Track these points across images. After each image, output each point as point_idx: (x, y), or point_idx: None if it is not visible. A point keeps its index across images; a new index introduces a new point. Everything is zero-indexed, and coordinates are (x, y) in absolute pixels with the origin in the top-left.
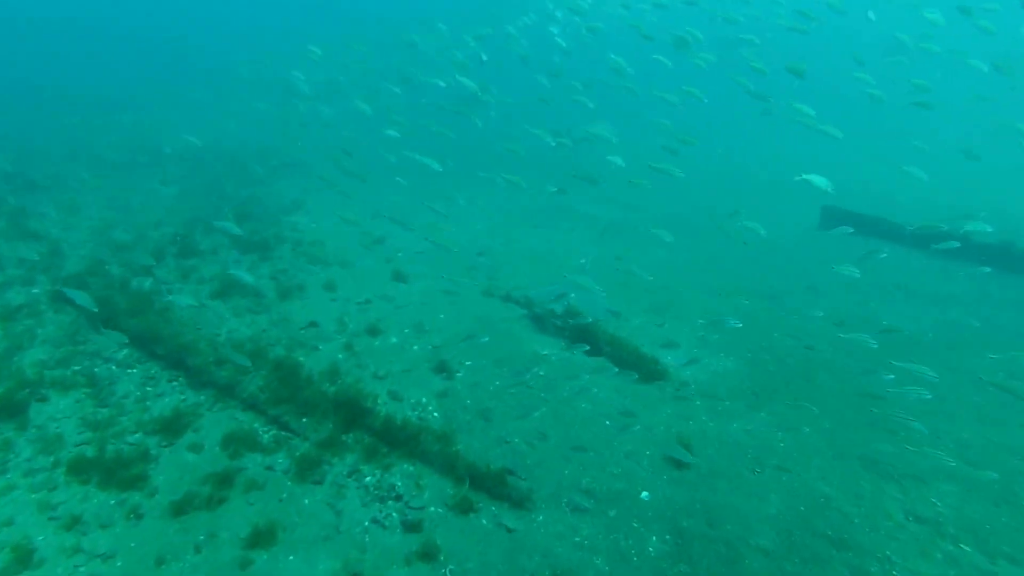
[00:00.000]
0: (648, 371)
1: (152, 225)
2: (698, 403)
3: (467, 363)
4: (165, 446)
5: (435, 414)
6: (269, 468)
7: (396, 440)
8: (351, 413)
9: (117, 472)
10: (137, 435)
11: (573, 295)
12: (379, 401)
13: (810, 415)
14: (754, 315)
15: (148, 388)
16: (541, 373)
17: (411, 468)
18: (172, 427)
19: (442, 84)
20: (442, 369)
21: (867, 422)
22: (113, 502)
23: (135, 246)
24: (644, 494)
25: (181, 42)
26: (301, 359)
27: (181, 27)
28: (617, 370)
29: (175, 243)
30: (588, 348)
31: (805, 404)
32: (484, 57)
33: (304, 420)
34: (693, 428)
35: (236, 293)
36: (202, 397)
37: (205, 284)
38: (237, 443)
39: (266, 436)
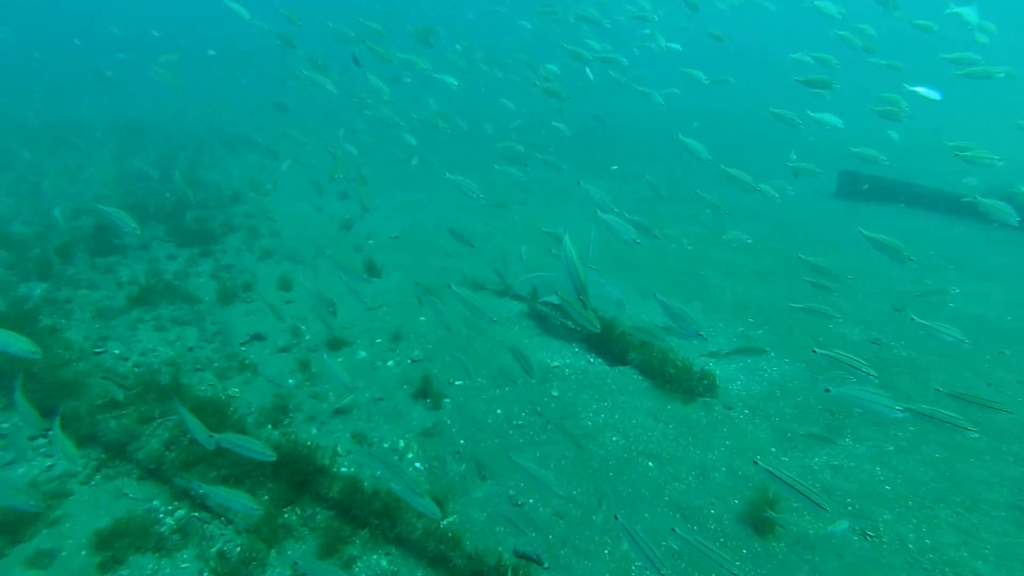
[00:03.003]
0: (689, 385)
1: (69, 215)
2: (760, 428)
3: (457, 383)
4: None
5: (417, 465)
6: None
7: (363, 514)
8: (299, 475)
9: None
10: None
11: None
12: (339, 450)
13: (908, 439)
14: (797, 300)
15: None
16: (555, 394)
17: (384, 562)
18: (15, 522)
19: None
20: (425, 394)
21: (987, 447)
22: None
23: (35, 242)
24: None
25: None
26: (235, 391)
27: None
28: (646, 381)
29: (94, 237)
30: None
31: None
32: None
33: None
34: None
35: (163, 299)
36: (79, 462)
37: (123, 288)
38: (119, 540)
39: (169, 521)
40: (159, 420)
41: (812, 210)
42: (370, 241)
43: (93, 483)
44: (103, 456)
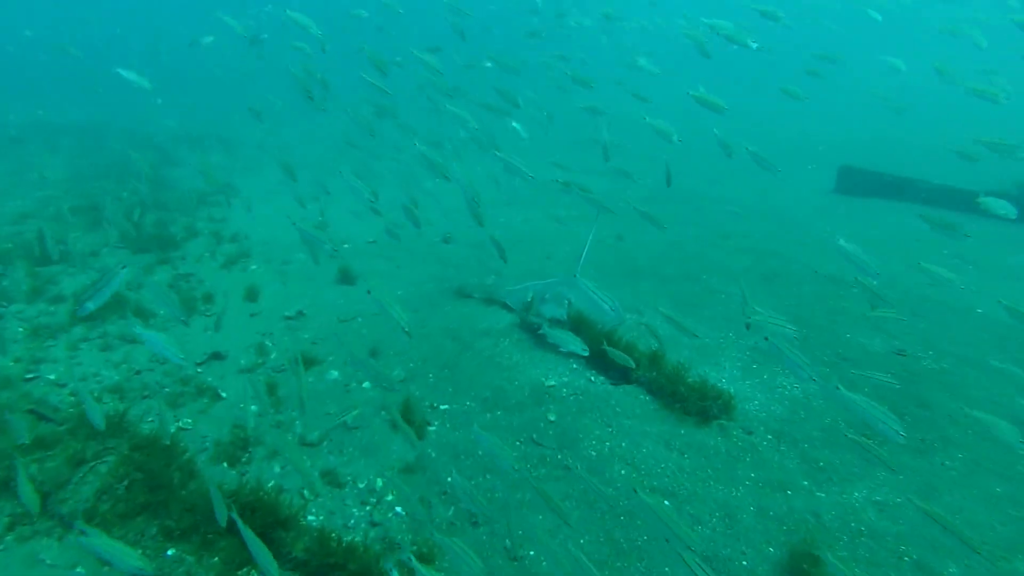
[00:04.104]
0: (702, 406)
1: (11, 219)
2: (788, 457)
3: (443, 407)
4: None
5: (398, 510)
6: None
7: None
8: (257, 528)
9: None
10: None
11: (573, 294)
12: (306, 494)
13: (959, 467)
14: (807, 306)
15: None
16: (552, 418)
17: None
18: None
19: None
20: (407, 421)
21: None
22: None
23: None
24: None
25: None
26: (187, 422)
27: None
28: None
29: (37, 243)
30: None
31: (946, 453)
32: None
33: (171, 552)
34: (796, 506)
35: (113, 313)
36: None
37: (62, 303)
38: None
39: None
40: (92, 463)
41: (812, 207)
42: (346, 245)
43: (2, 547)
44: (19, 510)
